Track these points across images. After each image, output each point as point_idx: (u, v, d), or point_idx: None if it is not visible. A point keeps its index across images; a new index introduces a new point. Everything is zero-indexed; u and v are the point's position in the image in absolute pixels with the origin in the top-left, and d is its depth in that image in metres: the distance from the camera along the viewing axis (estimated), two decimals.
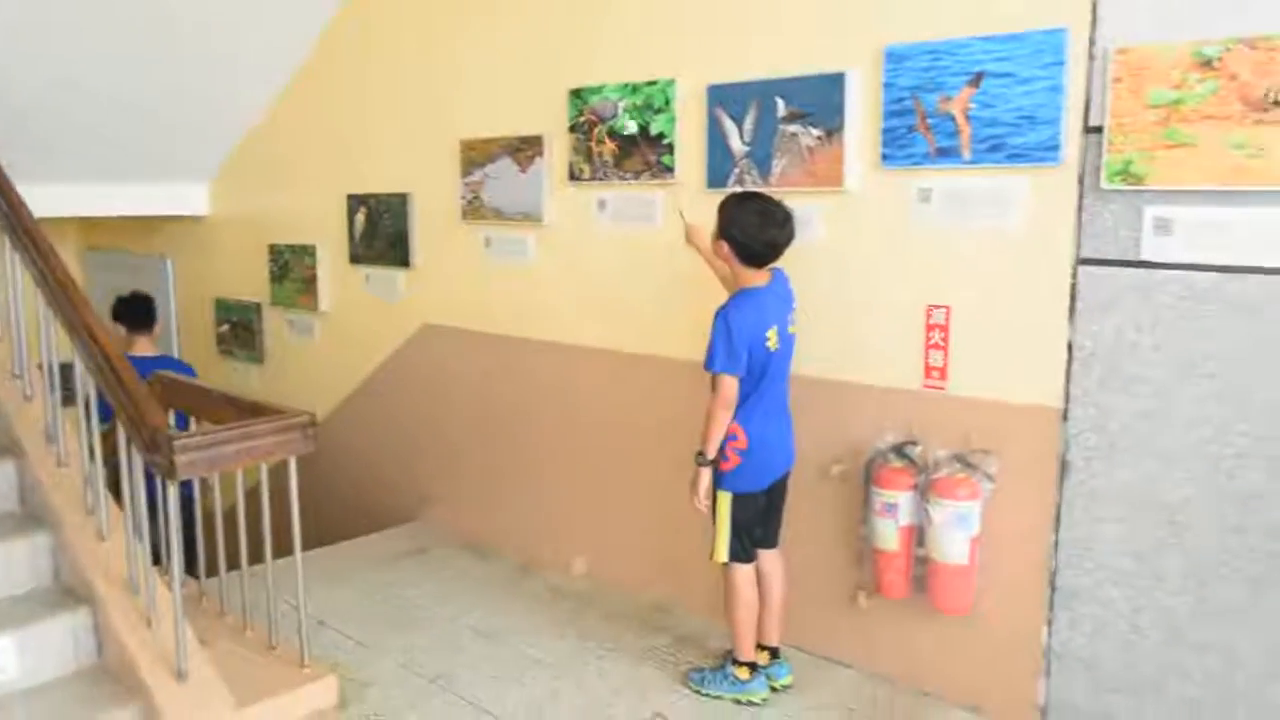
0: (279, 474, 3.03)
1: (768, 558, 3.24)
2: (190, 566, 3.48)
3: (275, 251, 5.59)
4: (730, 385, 2.98)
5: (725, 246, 3.02)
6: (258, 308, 5.82)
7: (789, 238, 3.03)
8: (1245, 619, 2.61)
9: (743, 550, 3.14)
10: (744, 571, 3.16)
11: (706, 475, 3.04)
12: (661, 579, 3.92)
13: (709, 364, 3.00)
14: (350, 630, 3.68)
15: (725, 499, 3.10)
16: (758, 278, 3.06)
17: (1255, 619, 2.60)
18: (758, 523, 3.17)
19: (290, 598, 3.20)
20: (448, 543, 4.55)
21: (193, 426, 3.50)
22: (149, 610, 2.97)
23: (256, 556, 3.36)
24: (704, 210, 3.46)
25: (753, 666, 3.21)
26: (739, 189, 3.40)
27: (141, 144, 5.40)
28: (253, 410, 3.12)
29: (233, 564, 3.49)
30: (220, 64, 5.03)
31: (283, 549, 3.11)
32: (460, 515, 4.70)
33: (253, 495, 3.25)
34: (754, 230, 2.98)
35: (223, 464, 2.82)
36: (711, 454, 3.03)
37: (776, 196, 3.08)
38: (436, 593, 4.02)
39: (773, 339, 3.03)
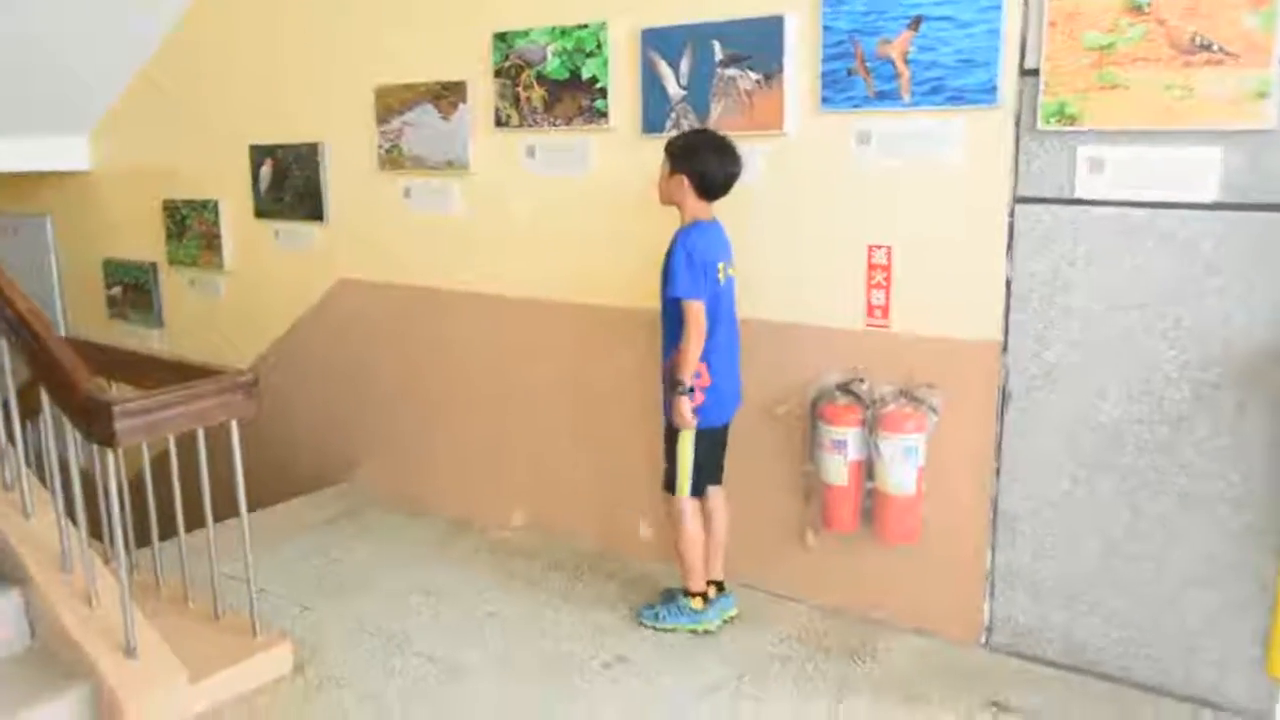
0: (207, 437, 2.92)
1: (714, 494, 3.31)
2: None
3: (171, 207, 5.30)
4: (700, 310, 3.01)
5: (685, 180, 3.05)
6: (153, 268, 5.52)
7: (741, 171, 3.11)
8: (1174, 530, 2.80)
9: (697, 485, 3.21)
10: (693, 506, 3.23)
11: (686, 403, 3.06)
12: (602, 526, 3.95)
13: (673, 290, 3.03)
14: (293, 597, 3.59)
15: (688, 435, 3.14)
16: (705, 212, 3.11)
17: (1183, 528, 2.79)
18: (711, 460, 3.24)
19: (224, 566, 3.10)
20: (380, 504, 4.47)
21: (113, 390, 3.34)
22: (89, 587, 2.84)
23: (172, 525, 3.25)
24: (639, 156, 3.45)
25: (704, 597, 3.29)
26: (675, 133, 3.39)
27: (9, 92, 5.00)
28: (185, 371, 2.98)
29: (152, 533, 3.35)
30: (97, 3, 4.68)
31: (203, 516, 3.02)
32: (391, 475, 4.61)
33: (161, 460, 3.13)
34: (715, 162, 3.03)
35: (164, 429, 2.71)
36: (689, 381, 3.04)
37: None
38: (375, 555, 3.95)
39: (722, 273, 3.09)
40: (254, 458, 3.15)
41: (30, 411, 3.07)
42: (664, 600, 3.39)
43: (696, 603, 3.27)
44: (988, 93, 2.87)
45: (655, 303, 3.17)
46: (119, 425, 2.53)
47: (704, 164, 3.03)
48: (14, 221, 6.33)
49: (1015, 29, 2.82)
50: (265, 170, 4.79)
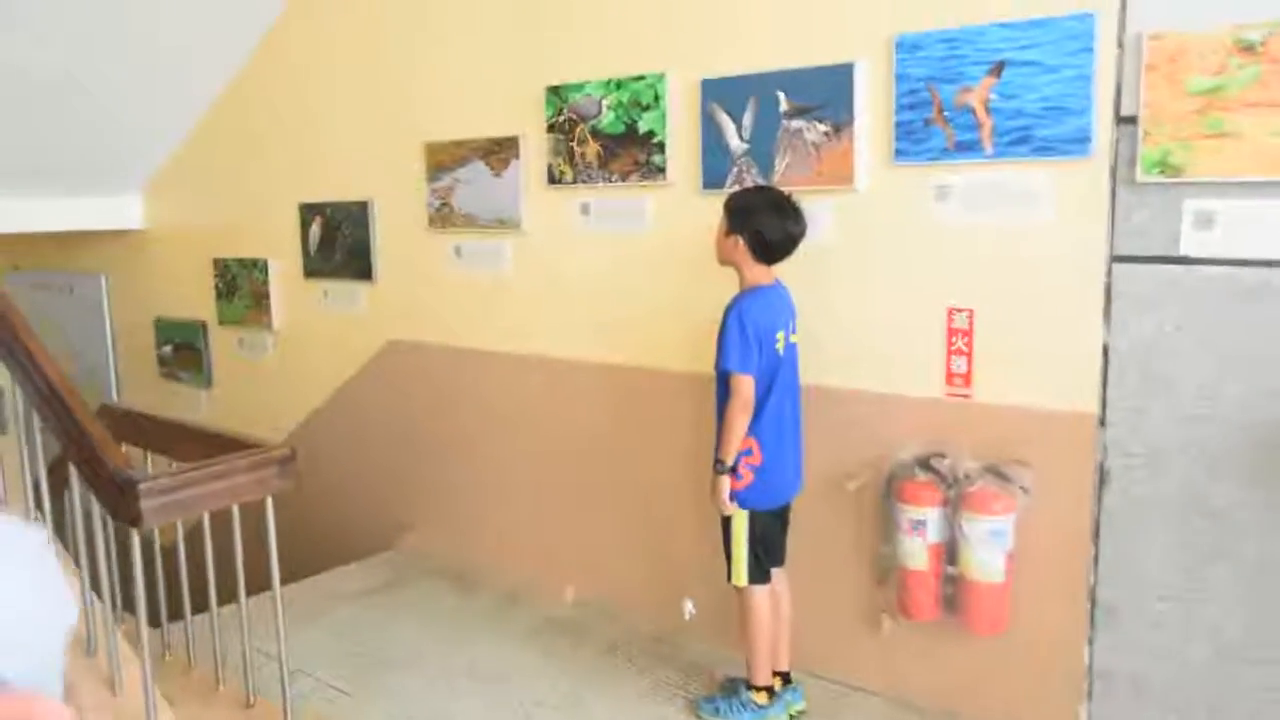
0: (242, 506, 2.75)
1: (777, 578, 3.06)
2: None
3: (221, 266, 5.24)
4: (748, 385, 2.79)
5: (740, 243, 2.85)
6: (203, 327, 5.46)
7: (804, 231, 2.88)
8: None
9: (760, 571, 2.96)
10: (762, 592, 2.97)
11: (726, 483, 2.84)
12: (658, 605, 3.70)
13: (723, 363, 2.81)
14: (330, 677, 3.39)
15: (741, 518, 2.91)
16: (765, 276, 2.90)
17: None
18: (771, 542, 3.00)
19: (259, 643, 2.92)
20: (426, 573, 4.27)
21: (147, 463, 3.20)
22: (114, 673, 2.67)
23: (205, 596, 3.08)
24: (699, 213, 3.26)
25: (770, 691, 3.03)
26: (738, 188, 3.20)
27: (67, 152, 5.01)
28: (221, 444, 2.83)
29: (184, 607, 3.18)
30: (155, 62, 4.67)
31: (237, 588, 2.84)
32: (438, 543, 4.42)
33: (197, 528, 2.97)
34: (774, 223, 2.82)
35: (194, 508, 2.54)
36: (730, 460, 2.82)
37: None
38: (420, 630, 3.74)
39: (780, 342, 2.87)
40: (297, 522, 3.00)
41: (62, 484, 2.93)
42: (725, 693, 3.12)
43: (761, 697, 3.01)
44: (1080, 142, 2.63)
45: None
46: (145, 505, 2.37)
47: (761, 224, 2.82)
48: (70, 279, 6.35)
49: (1109, 73, 2.59)
50: (314, 229, 4.70)
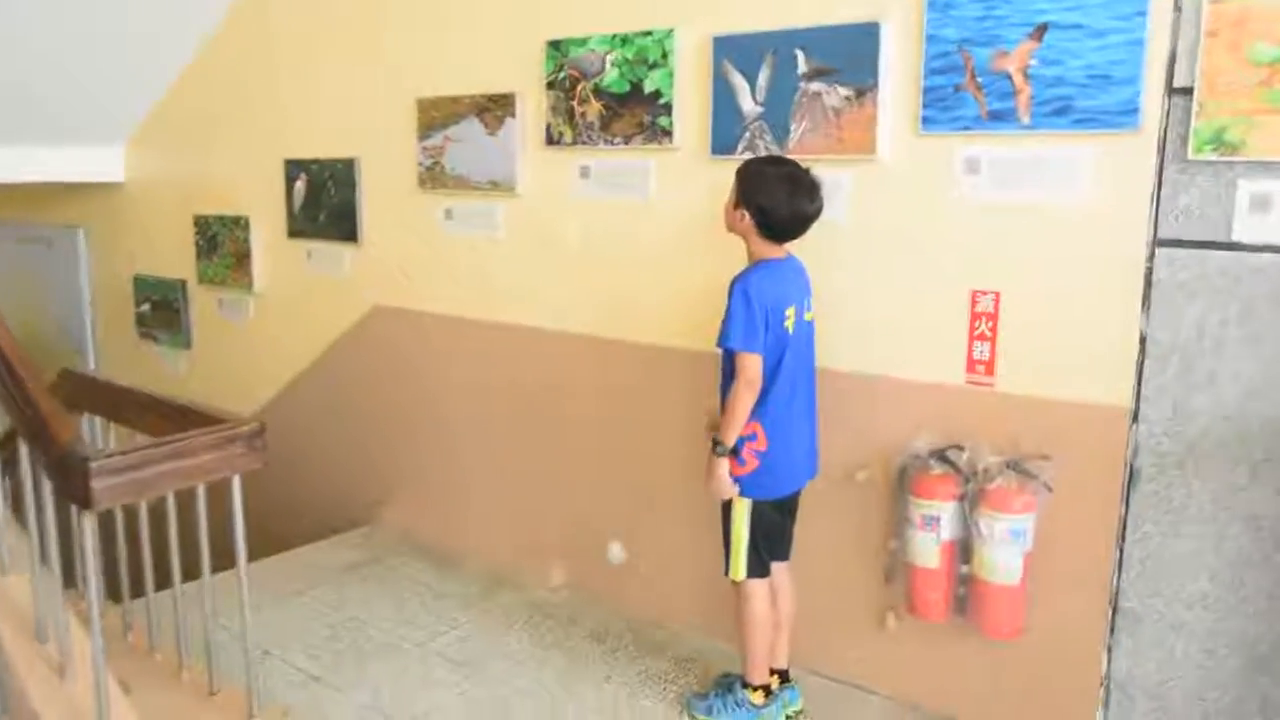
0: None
1: (778, 571, 2.87)
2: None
3: (202, 223, 5.00)
4: (754, 364, 2.58)
5: (746, 216, 2.62)
6: (183, 285, 5.23)
7: (818, 210, 2.64)
8: None
9: (760, 564, 2.77)
10: (761, 587, 2.79)
11: (724, 466, 2.65)
12: (653, 590, 3.53)
13: (725, 340, 2.60)
14: (301, 662, 3.21)
15: (742, 507, 2.72)
16: (774, 252, 2.68)
17: None
18: (775, 534, 2.80)
19: (227, 622, 2.73)
20: (406, 551, 4.08)
21: (109, 433, 3.00)
22: (63, 659, 2.48)
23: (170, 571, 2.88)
24: (708, 180, 3.04)
25: (767, 690, 2.86)
26: (749, 155, 2.99)
27: (46, 101, 4.76)
28: (186, 417, 2.61)
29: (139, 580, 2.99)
30: (137, 10, 4.41)
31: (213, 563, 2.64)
32: (419, 519, 4.23)
33: (159, 501, 2.76)
34: (782, 199, 2.58)
35: (153, 488, 2.33)
36: (730, 441, 2.62)
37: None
38: (398, 612, 3.56)
39: (791, 319, 2.65)
40: (270, 493, 2.82)
41: (11, 459, 2.73)
42: (719, 689, 2.94)
43: (757, 696, 2.84)
44: (1127, 114, 2.41)
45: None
46: (97, 485, 2.16)
47: (770, 201, 2.58)
48: (48, 233, 6.10)
49: (1163, 39, 2.37)
50: (299, 187, 4.46)
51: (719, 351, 2.71)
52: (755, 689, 2.84)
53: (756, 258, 2.68)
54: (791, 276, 2.71)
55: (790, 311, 2.65)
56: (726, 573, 2.78)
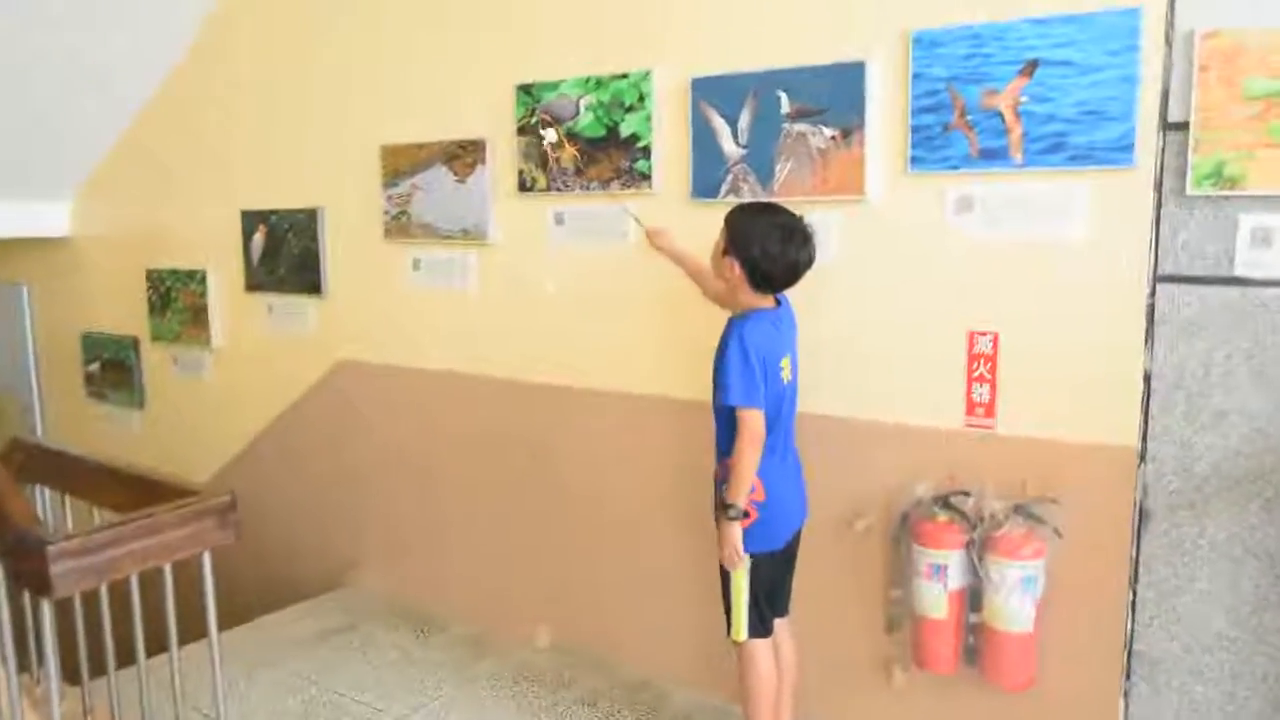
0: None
1: (780, 628, 2.76)
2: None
3: (155, 278, 4.81)
4: (757, 420, 2.45)
5: (736, 267, 2.52)
6: (134, 343, 5.02)
7: (811, 259, 2.54)
8: None
9: (762, 623, 2.65)
10: (764, 648, 2.66)
11: (738, 531, 2.51)
12: (641, 648, 3.39)
13: (725, 397, 2.47)
14: None
15: (743, 564, 2.59)
16: (764, 301, 2.58)
17: None
18: (776, 588, 2.70)
19: (195, 701, 2.55)
20: (382, 615, 3.90)
21: (66, 510, 2.81)
22: None
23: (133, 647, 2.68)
24: (689, 225, 2.95)
25: None
26: (733, 198, 2.92)
27: None
28: (148, 489, 2.45)
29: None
30: (81, 59, 4.25)
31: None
32: (395, 581, 4.06)
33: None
34: (776, 250, 2.47)
35: (117, 570, 2.15)
36: (742, 502, 2.49)
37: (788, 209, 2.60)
38: (376, 683, 3.38)
39: (786, 370, 2.56)
40: (237, 558, 2.64)
41: None
42: None
43: None
44: (1122, 151, 2.38)
45: (705, 394, 2.63)
46: (56, 570, 2.00)
47: (762, 252, 2.47)
48: None
49: (1155, 74, 2.34)
50: (258, 239, 4.31)
51: (706, 400, 2.60)
52: None
53: (746, 306, 2.57)
54: (784, 325, 2.62)
55: (785, 363, 2.57)
56: (728, 634, 2.66)
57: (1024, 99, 2.48)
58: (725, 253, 2.55)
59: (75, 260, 5.29)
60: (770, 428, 2.53)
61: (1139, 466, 2.47)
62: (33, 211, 5.21)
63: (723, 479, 2.57)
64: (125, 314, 5.01)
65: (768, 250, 2.47)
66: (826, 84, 2.75)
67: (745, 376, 2.45)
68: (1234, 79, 2.24)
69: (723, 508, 2.51)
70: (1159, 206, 2.38)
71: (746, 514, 2.51)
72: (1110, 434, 2.49)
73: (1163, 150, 2.36)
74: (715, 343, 2.57)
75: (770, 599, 2.66)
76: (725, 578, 2.63)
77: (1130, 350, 2.44)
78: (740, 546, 2.51)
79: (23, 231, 5.22)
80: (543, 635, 3.61)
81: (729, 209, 2.60)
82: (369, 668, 3.48)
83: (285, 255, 4.22)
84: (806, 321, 2.72)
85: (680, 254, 2.88)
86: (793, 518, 2.68)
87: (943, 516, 2.63)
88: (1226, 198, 2.28)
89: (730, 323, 2.56)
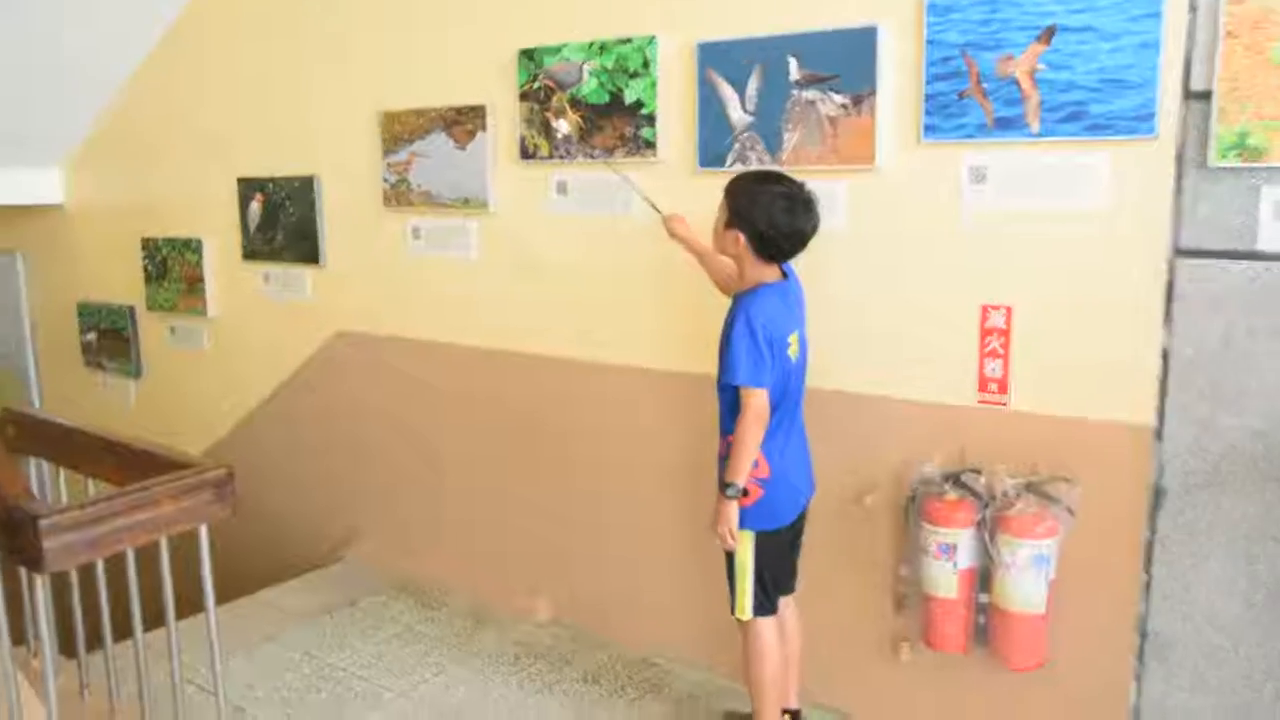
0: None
1: (785, 605, 2.72)
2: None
3: (150, 246, 4.74)
4: (761, 399, 2.41)
5: (741, 238, 2.45)
6: (131, 312, 4.96)
7: (816, 227, 2.47)
8: None
9: (767, 600, 2.61)
10: (769, 626, 2.63)
11: (734, 510, 2.47)
12: (645, 623, 3.36)
13: (731, 376, 2.42)
14: (276, 717, 2.99)
15: (746, 540, 2.55)
16: (771, 274, 2.51)
17: None
18: (781, 566, 2.65)
19: (193, 674, 2.52)
20: (382, 588, 3.86)
21: (60, 482, 2.77)
22: None
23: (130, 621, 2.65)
24: (695, 194, 2.88)
25: None
26: (740, 168, 2.85)
27: None
28: (143, 461, 2.40)
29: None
30: (75, 19, 4.16)
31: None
32: (395, 554, 4.02)
33: None
34: (780, 218, 2.41)
35: (111, 545, 2.11)
36: (741, 481, 2.44)
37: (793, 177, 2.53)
38: (377, 658, 3.35)
39: (794, 346, 2.51)
40: (234, 530, 2.59)
41: None
42: None
43: None
44: (1143, 120, 2.31)
45: (709, 367, 2.58)
46: (49, 545, 1.95)
47: (769, 220, 2.40)
48: None
49: (1178, 41, 2.27)
50: (254, 207, 4.24)
51: (711, 373, 2.55)
52: None
53: (753, 281, 2.50)
54: (792, 300, 2.56)
55: (793, 339, 2.51)
56: (732, 611, 2.62)
57: (1041, 66, 2.41)
58: (728, 225, 2.48)
59: (70, 228, 5.21)
60: (777, 405, 2.48)
61: (1155, 445, 2.41)
62: (26, 179, 5.12)
63: (724, 456, 2.52)
64: (121, 283, 4.94)
65: (774, 219, 2.41)
66: (837, 49, 2.67)
67: (752, 355, 2.40)
68: (1261, 46, 2.16)
69: (722, 486, 2.46)
70: (1180, 178, 2.31)
71: (746, 492, 2.46)
72: (1126, 412, 2.43)
73: (1184, 120, 2.29)
74: (722, 315, 2.52)
75: (775, 577, 2.62)
76: (729, 555, 2.59)
77: (1148, 326, 2.39)
78: (735, 526, 2.47)
79: (16, 199, 5.15)
80: (543, 608, 3.58)
81: (730, 180, 2.53)
82: (369, 642, 3.45)
83: (283, 224, 4.15)
84: (814, 294, 2.66)
85: (697, 242, 2.79)
86: (798, 495, 2.63)
87: (953, 494, 2.58)
88: (1250, 170, 2.21)
89: (737, 298, 2.50)
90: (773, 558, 2.60)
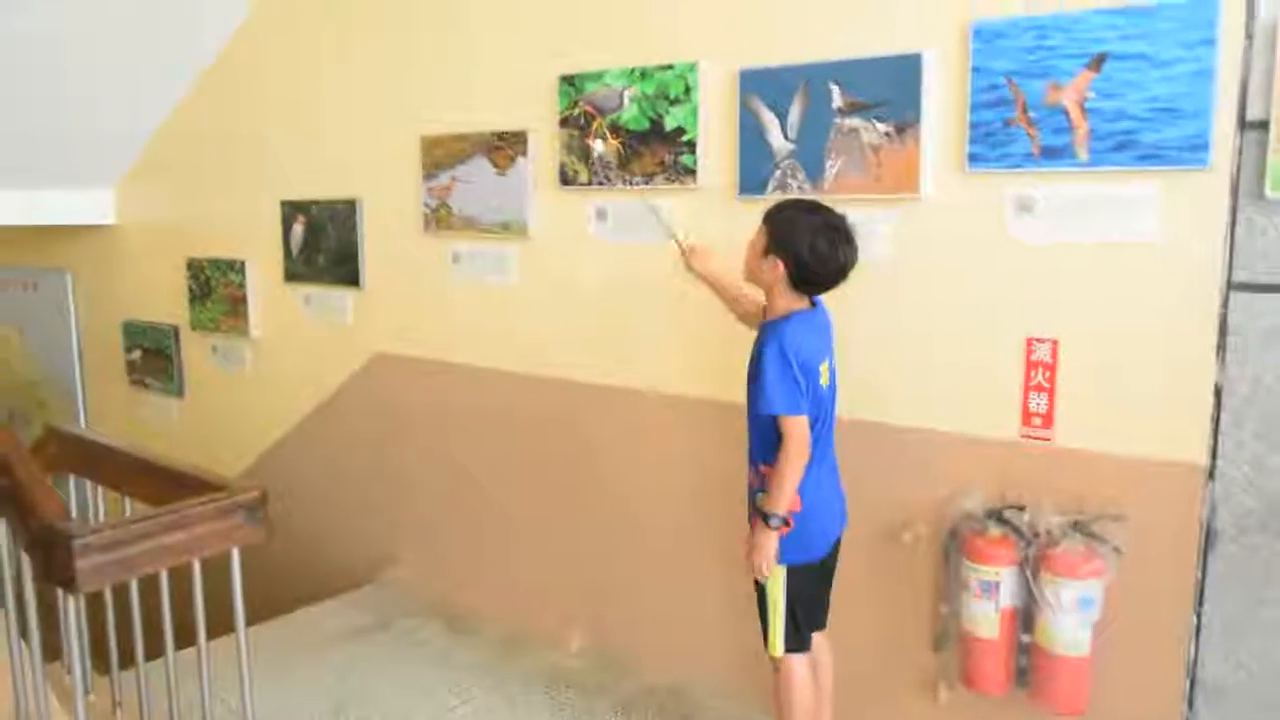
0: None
1: (818, 641, 2.66)
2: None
3: (195, 267, 4.81)
4: (801, 427, 2.37)
5: (780, 266, 2.41)
6: (175, 332, 5.02)
7: (855, 261, 2.43)
8: None
9: (799, 638, 2.56)
10: (801, 663, 2.57)
11: (774, 542, 2.43)
12: (676, 654, 3.31)
13: (767, 406, 2.37)
14: None
15: (779, 574, 2.50)
16: (801, 303, 2.47)
17: None
18: (813, 601, 2.60)
19: (225, 694, 2.51)
20: (415, 612, 3.85)
21: (99, 501, 2.79)
22: None
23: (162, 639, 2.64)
24: (734, 222, 2.85)
25: None
26: (780, 195, 2.82)
27: (35, 143, 4.58)
28: (177, 482, 2.41)
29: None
30: (129, 47, 4.25)
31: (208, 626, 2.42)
32: (429, 578, 4.01)
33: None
34: (825, 250, 2.37)
35: (143, 566, 2.11)
36: (782, 511, 2.39)
37: (832, 206, 2.49)
38: (409, 682, 3.33)
39: (825, 375, 2.47)
40: (269, 551, 2.58)
41: None
42: None
43: None
44: (1196, 150, 2.25)
45: (740, 395, 2.53)
46: (82, 564, 1.95)
47: (810, 250, 2.36)
48: (33, 276, 5.90)
49: (1233, 69, 2.21)
50: (297, 229, 4.28)
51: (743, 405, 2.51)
52: None
53: (783, 310, 2.46)
54: (821, 329, 2.52)
55: (824, 368, 2.47)
56: (766, 647, 2.57)
57: (1091, 94, 2.36)
58: (767, 251, 2.44)
59: (118, 248, 5.31)
60: (812, 434, 2.44)
61: (1207, 484, 2.33)
62: (79, 200, 5.23)
63: (758, 488, 2.49)
64: (166, 303, 5.01)
65: (817, 250, 2.37)
66: (881, 77, 2.64)
67: (785, 382, 2.36)
68: None
69: (762, 517, 2.42)
70: (1235, 210, 2.24)
71: (787, 523, 2.41)
72: (1177, 449, 2.35)
73: (1240, 150, 2.22)
74: (750, 353, 2.48)
75: (807, 612, 2.57)
76: (761, 589, 2.54)
77: (1200, 361, 2.31)
78: (773, 557, 2.42)
79: (69, 219, 5.26)
80: (576, 639, 3.54)
81: (769, 207, 2.50)
82: (401, 666, 3.43)
83: (324, 246, 4.18)
84: (856, 325, 2.64)
85: (718, 277, 2.76)
86: (830, 527, 2.58)
87: (995, 531, 2.51)
88: None
89: (764, 327, 2.47)
90: (805, 592, 2.55)
